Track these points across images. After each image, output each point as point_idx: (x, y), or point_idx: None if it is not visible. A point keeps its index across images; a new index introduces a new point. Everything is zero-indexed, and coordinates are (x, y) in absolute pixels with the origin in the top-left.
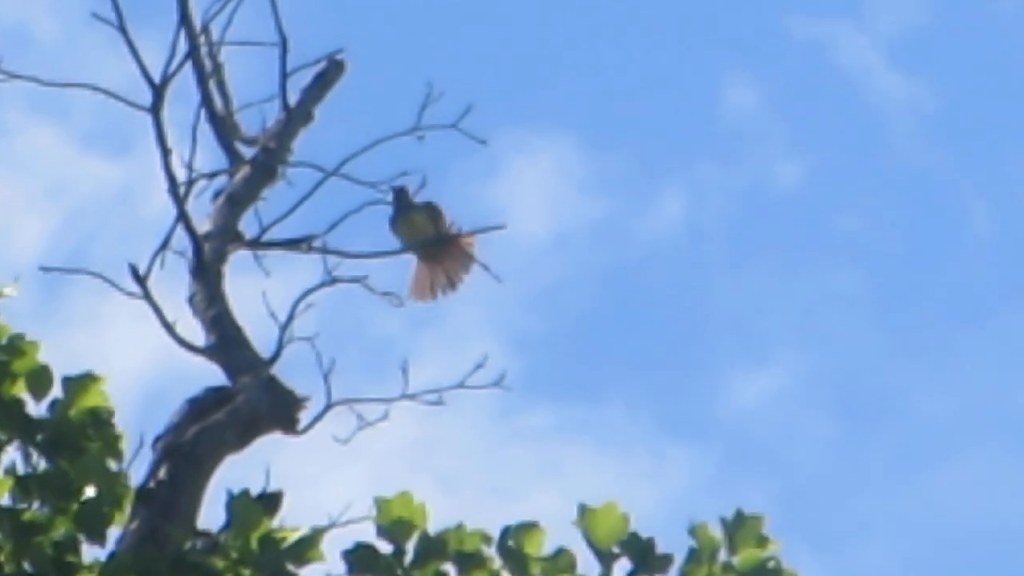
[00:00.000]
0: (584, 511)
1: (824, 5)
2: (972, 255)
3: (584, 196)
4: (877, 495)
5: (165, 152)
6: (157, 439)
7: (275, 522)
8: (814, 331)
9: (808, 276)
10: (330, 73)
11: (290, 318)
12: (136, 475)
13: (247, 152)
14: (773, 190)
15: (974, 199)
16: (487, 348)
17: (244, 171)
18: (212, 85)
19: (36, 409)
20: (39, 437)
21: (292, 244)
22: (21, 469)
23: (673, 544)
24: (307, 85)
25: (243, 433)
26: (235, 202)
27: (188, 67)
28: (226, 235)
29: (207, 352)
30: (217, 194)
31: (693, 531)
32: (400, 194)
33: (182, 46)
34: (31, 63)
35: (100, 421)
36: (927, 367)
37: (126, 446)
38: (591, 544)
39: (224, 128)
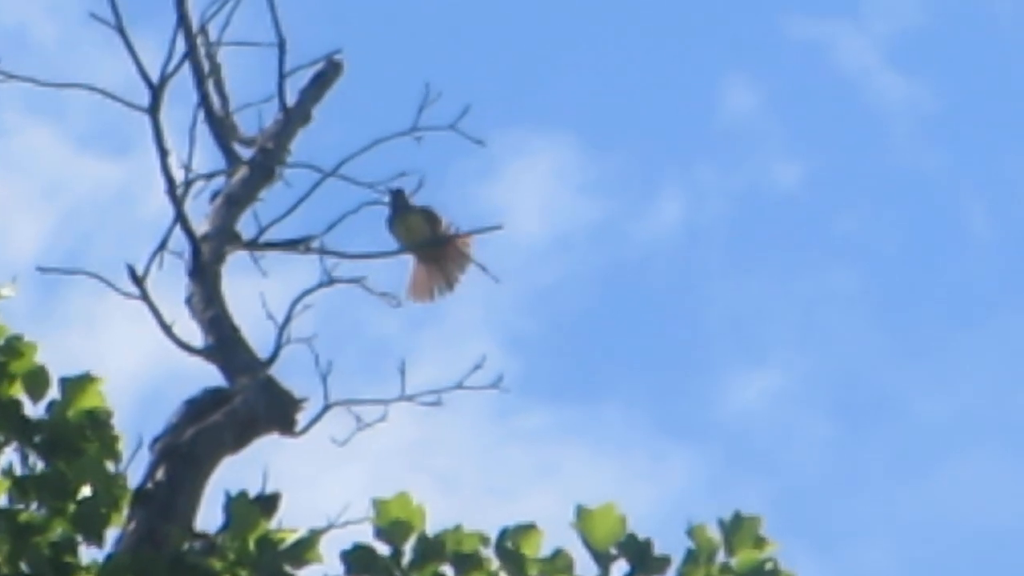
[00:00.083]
0: (582, 512)
1: (822, 6)
2: (971, 255)
3: (582, 197)
4: (876, 496)
5: (163, 152)
6: (155, 440)
7: (273, 523)
8: (812, 332)
9: (806, 277)
10: (328, 74)
11: (288, 319)
12: (134, 476)
13: (245, 153)
14: (771, 191)
15: (973, 199)
16: (485, 349)
17: (242, 172)
18: (210, 85)
19: (34, 410)
20: (37, 438)
21: (290, 245)
22: (19, 470)
23: (671, 545)
24: (305, 86)
25: (241, 434)
26: (233, 203)
27: (186, 67)
28: (224, 236)
29: (205, 353)
30: (215, 195)
31: (691, 532)
32: (397, 196)
33: (180, 46)
34: (29, 63)
35: (98, 422)
36: (926, 368)
37: (124, 447)
38: (589, 545)
39: (222, 129)
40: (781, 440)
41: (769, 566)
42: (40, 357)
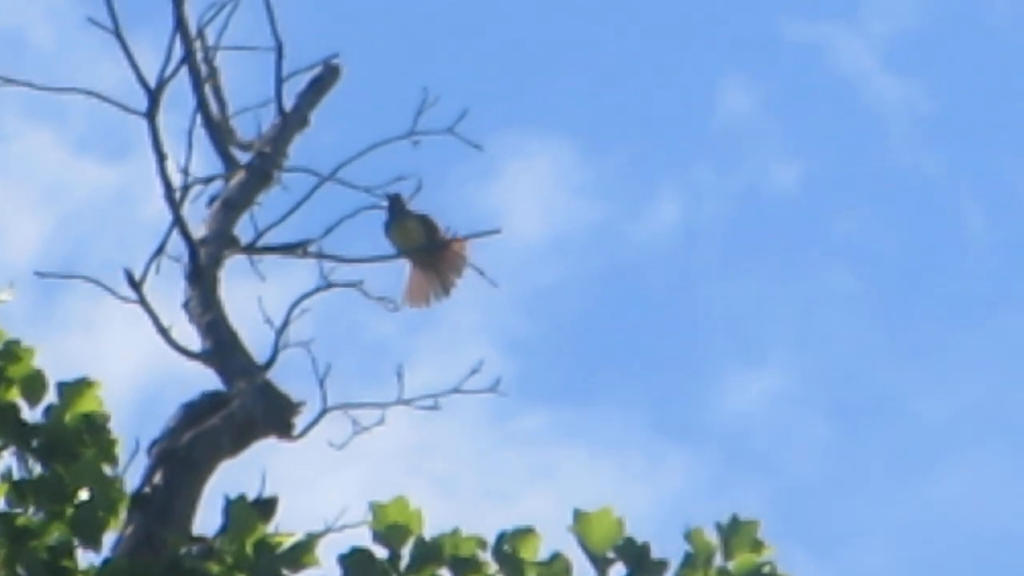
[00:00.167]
0: (579, 516)
1: (819, 8)
2: (968, 257)
3: (580, 199)
4: (874, 497)
5: (161, 157)
6: (152, 444)
7: (270, 527)
8: (810, 333)
9: (804, 278)
10: (326, 78)
11: (285, 323)
12: (131, 480)
13: (243, 157)
14: (769, 192)
15: (970, 201)
16: (482, 351)
17: (240, 176)
18: (208, 90)
19: (31, 414)
20: (34, 442)
21: (288, 249)
22: (16, 474)
23: (668, 549)
24: (303, 90)
25: (238, 438)
26: (231, 207)
27: (184, 72)
28: (222, 240)
29: (202, 357)
30: (213, 199)
31: (688, 536)
32: (394, 201)
33: (178, 51)
34: (27, 68)
35: (95, 426)
36: (923, 369)
37: (121, 451)
38: (586, 549)
39: (220, 133)
40: (779, 441)
41: (767, 570)
42: (38, 361)
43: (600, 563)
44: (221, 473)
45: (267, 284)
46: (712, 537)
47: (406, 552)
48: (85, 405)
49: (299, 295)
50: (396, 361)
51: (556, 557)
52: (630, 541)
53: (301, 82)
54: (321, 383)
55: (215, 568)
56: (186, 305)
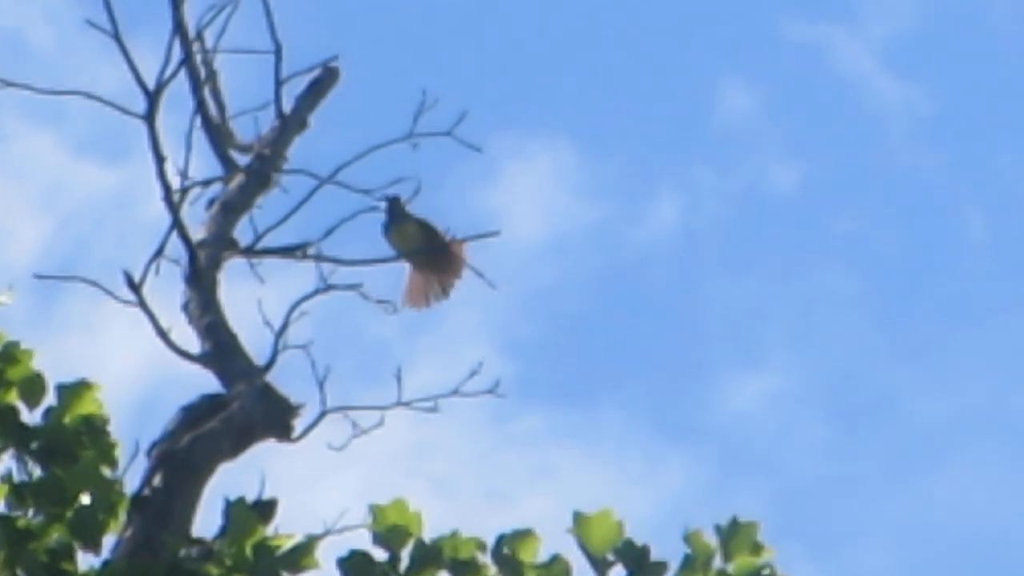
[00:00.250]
0: (579, 518)
1: (819, 9)
2: (968, 258)
3: (580, 200)
4: (873, 498)
5: (159, 159)
6: (152, 446)
7: (270, 529)
8: (809, 334)
9: (803, 279)
10: (325, 80)
11: (285, 325)
12: (131, 482)
13: (242, 159)
14: (768, 194)
15: (969, 202)
16: (482, 353)
17: (239, 178)
18: (206, 92)
19: (30, 417)
20: (33, 445)
21: (287, 251)
22: (16, 477)
23: (668, 550)
24: (302, 92)
25: (238, 440)
26: (230, 209)
27: (182, 74)
28: (221, 242)
29: (202, 359)
30: (212, 201)
31: (688, 538)
32: (393, 203)
33: (176, 53)
34: (26, 70)
35: (95, 429)
36: (923, 370)
37: (121, 453)
38: (586, 551)
39: (219, 135)
40: (778, 442)
41: (766, 572)
42: (37, 363)
43: (600, 565)
44: (221, 475)
45: (266, 286)
46: (711, 539)
47: (405, 554)
48: (84, 407)
49: (298, 297)
50: (395, 363)
51: (555, 559)
52: (630, 543)
53: (300, 84)
54: (320, 385)
55: (214, 570)
56: (185, 307)
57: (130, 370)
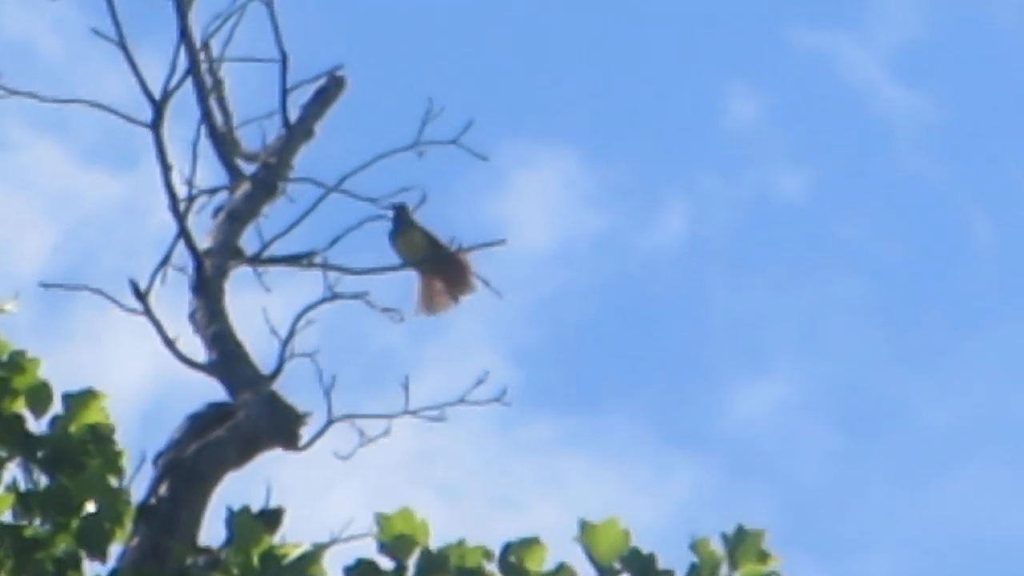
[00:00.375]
0: (585, 526)
1: (826, 17)
2: (974, 265)
3: (586, 208)
4: (880, 505)
5: (166, 168)
6: (158, 455)
7: (276, 538)
8: (816, 342)
9: (810, 287)
10: (330, 89)
11: (291, 334)
12: (137, 491)
13: (248, 168)
14: (775, 201)
15: (976, 209)
16: (488, 360)
17: (245, 187)
18: (212, 101)
19: (37, 426)
20: (40, 454)
21: (293, 260)
22: (22, 486)
23: (674, 558)
24: (307, 101)
25: (244, 449)
26: (236, 218)
27: (188, 83)
28: (227, 251)
29: (208, 368)
30: (218, 210)
31: (694, 546)
32: (400, 212)
33: (182, 62)
34: (33, 79)
35: (101, 437)
36: (929, 377)
37: (127, 462)
38: (592, 560)
39: (225, 144)
40: (785, 450)
41: None
42: (43, 372)
43: (606, 573)
44: (227, 484)
45: (272, 295)
46: (718, 547)
47: (412, 563)
48: (91, 416)
49: (304, 306)
50: (402, 371)
51: (562, 567)
52: (636, 551)
53: (306, 93)
54: (327, 394)
55: None
56: (192, 316)
57: (136, 379)
